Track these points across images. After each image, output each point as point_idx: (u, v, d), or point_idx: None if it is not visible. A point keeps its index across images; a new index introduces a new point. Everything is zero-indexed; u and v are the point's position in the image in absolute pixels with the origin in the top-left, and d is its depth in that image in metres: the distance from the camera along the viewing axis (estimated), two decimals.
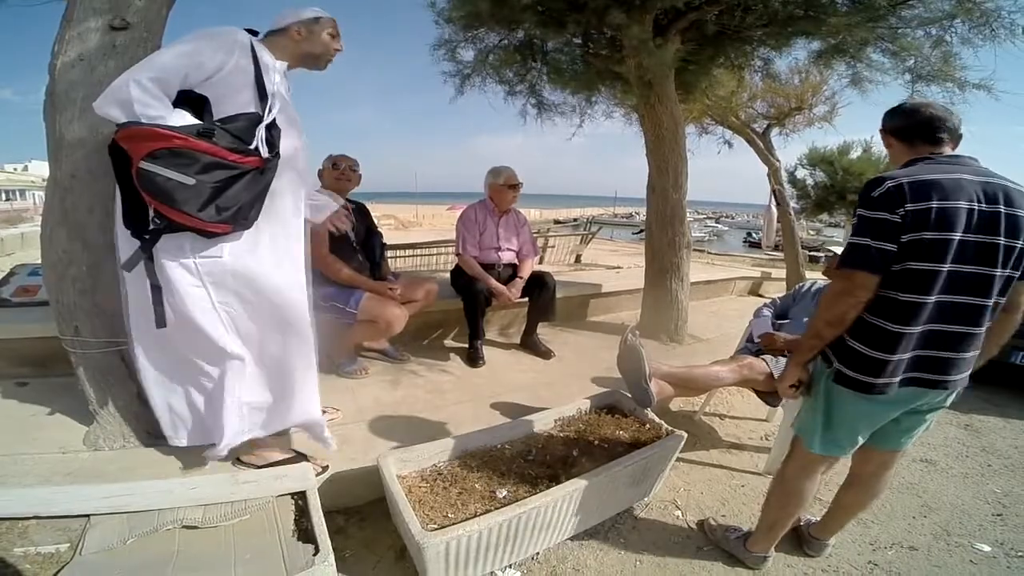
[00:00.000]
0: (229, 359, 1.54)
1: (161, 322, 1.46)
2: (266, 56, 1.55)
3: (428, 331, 3.22)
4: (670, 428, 1.88)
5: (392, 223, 20.02)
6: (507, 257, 3.12)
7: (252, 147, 1.46)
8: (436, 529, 1.33)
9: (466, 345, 3.02)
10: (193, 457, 1.67)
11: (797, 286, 2.62)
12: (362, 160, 2.66)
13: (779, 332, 2.31)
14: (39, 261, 2.71)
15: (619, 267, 6.05)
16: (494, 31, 3.38)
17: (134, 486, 1.40)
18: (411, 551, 1.40)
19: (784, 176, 6.99)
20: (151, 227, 1.40)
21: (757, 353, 2.24)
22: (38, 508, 1.29)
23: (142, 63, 1.40)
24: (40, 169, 31.99)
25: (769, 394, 2.16)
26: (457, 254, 3.08)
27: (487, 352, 3.00)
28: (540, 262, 6.78)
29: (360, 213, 2.76)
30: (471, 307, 2.91)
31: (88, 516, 1.31)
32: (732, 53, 3.30)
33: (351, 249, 2.61)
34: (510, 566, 1.52)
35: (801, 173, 7.90)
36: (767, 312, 2.49)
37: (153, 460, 1.70)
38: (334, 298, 2.47)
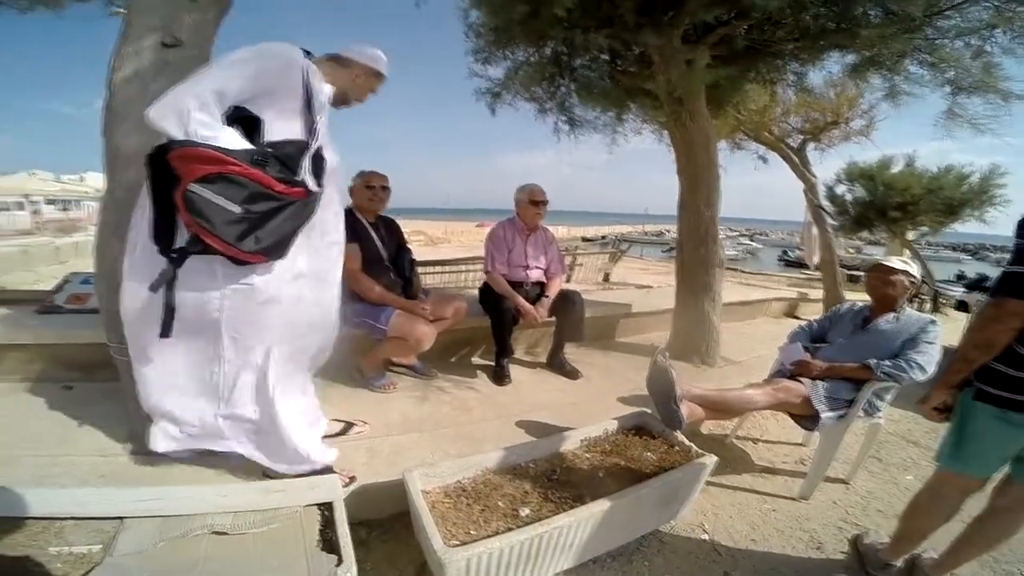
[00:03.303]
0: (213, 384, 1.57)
1: (166, 332, 1.44)
2: (316, 81, 1.55)
3: (456, 348, 3.24)
4: (700, 451, 1.82)
5: (422, 239, 20.36)
6: (535, 275, 3.11)
7: (299, 179, 1.46)
8: (458, 545, 1.32)
9: (493, 363, 3.02)
10: (225, 465, 1.71)
11: (834, 307, 2.53)
12: (390, 175, 2.71)
13: (816, 356, 2.24)
14: (91, 270, 2.87)
15: (649, 286, 5.97)
16: (523, 46, 3.42)
17: (167, 491, 1.44)
18: (432, 566, 1.39)
19: (822, 192, 6.81)
20: (180, 247, 1.39)
21: (792, 377, 2.17)
22: (74, 509, 1.33)
23: (200, 76, 1.39)
24: (94, 180, 33.21)
25: (806, 418, 2.08)
26: (486, 271, 3.09)
27: (513, 371, 2.99)
28: (568, 280, 6.76)
29: (390, 229, 2.81)
30: (498, 325, 2.92)
31: (121, 518, 1.33)
32: (763, 67, 3.26)
33: (382, 266, 2.66)
34: None
35: (839, 189, 7.65)
36: (801, 336, 2.42)
37: (186, 466, 1.74)
38: (365, 314, 2.51)
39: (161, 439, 1.64)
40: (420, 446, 2.03)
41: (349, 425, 2.11)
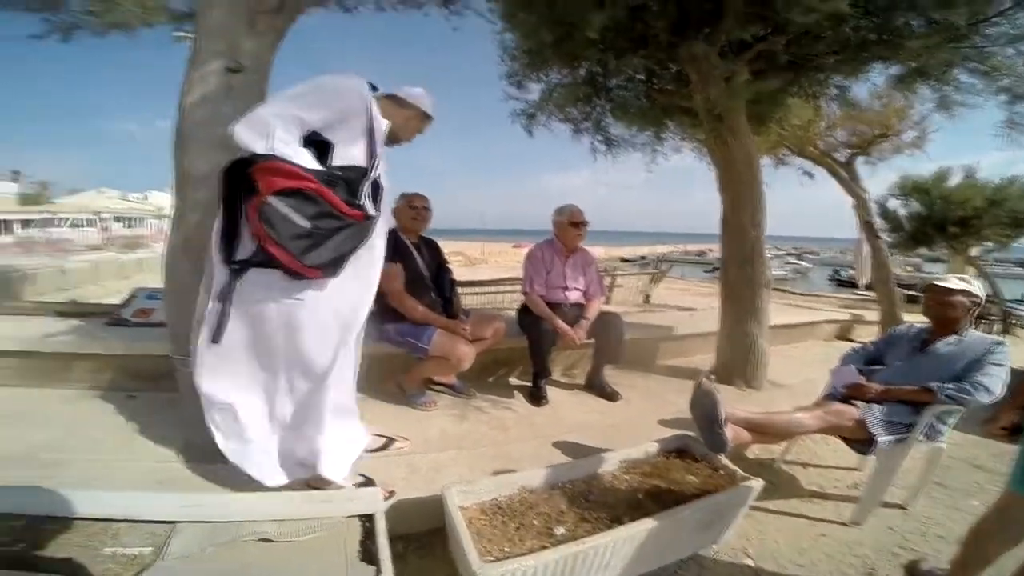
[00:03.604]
0: (256, 393, 1.64)
1: (217, 338, 1.52)
2: (377, 113, 1.64)
3: (494, 368, 3.26)
4: (745, 475, 1.75)
5: (460, 259, 20.68)
6: (574, 297, 3.10)
7: (359, 202, 1.55)
8: (492, 561, 1.31)
9: (530, 384, 3.01)
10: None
11: (891, 329, 2.42)
12: (429, 196, 2.80)
13: (871, 379, 2.13)
14: (154, 285, 3.09)
15: (692, 308, 5.83)
16: (557, 68, 3.47)
17: (218, 497, 1.51)
18: None
19: (873, 208, 6.51)
20: (243, 258, 1.48)
21: (845, 400, 2.08)
22: (130, 512, 1.39)
23: (283, 99, 1.50)
24: (158, 199, 35.18)
25: (859, 441, 1.98)
26: (524, 293, 3.11)
27: (551, 392, 2.97)
28: (607, 302, 6.70)
29: (432, 250, 2.89)
30: (536, 346, 2.91)
31: (174, 523, 1.38)
32: (804, 81, 3.18)
33: (424, 285, 2.73)
34: None
35: (893, 204, 7.29)
36: (854, 359, 2.32)
37: (237, 475, 1.78)
38: (409, 334, 2.58)
39: (222, 442, 1.70)
40: (458, 463, 2.04)
41: (390, 440, 2.16)
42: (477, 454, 2.17)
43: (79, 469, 1.84)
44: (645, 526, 1.46)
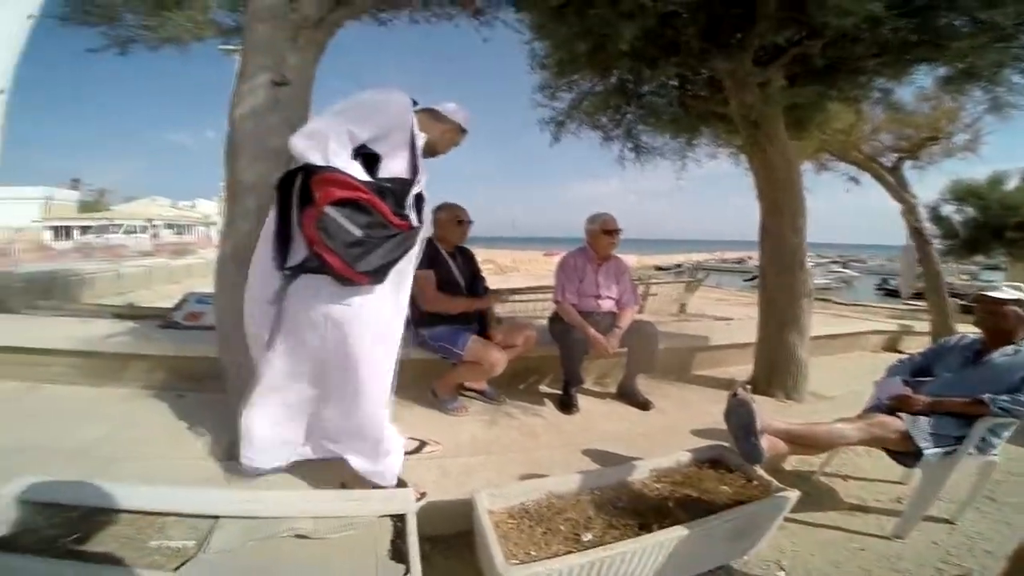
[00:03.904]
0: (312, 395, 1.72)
1: (271, 341, 1.62)
2: (417, 127, 1.72)
3: (525, 376, 3.26)
4: (781, 485, 1.70)
5: (491, 267, 20.81)
6: (607, 305, 3.07)
7: (404, 213, 1.62)
8: (518, 564, 1.32)
9: (560, 392, 3.00)
10: (309, 474, 1.84)
11: (942, 340, 2.31)
12: (460, 203, 2.86)
13: (918, 390, 2.04)
14: (202, 290, 3.25)
15: (730, 318, 5.68)
16: (587, 77, 3.46)
17: (259, 494, 1.56)
18: None
19: (924, 213, 6.20)
20: (295, 263, 1.57)
21: (890, 411, 2.00)
22: (176, 506, 1.46)
23: (334, 113, 1.58)
24: (205, 207, 37.23)
25: (904, 454, 1.90)
26: (556, 301, 3.10)
27: (582, 400, 2.95)
28: (640, 311, 6.60)
29: (466, 258, 2.94)
30: (567, 354, 2.90)
31: (216, 517, 1.45)
32: (844, 85, 3.07)
33: (460, 293, 2.78)
34: None
35: (945, 209, 6.91)
36: (900, 370, 2.23)
37: (277, 473, 1.88)
38: (443, 339, 2.63)
39: (257, 455, 1.79)
40: (487, 468, 2.06)
41: (423, 444, 2.20)
42: (506, 459, 2.18)
43: (131, 465, 1.95)
44: (674, 534, 1.44)
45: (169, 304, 3.68)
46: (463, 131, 1.94)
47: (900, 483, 2.29)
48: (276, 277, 1.59)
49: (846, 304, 8.87)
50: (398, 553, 1.33)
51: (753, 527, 1.64)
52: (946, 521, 2.03)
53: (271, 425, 1.76)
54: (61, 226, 27.01)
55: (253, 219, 1.89)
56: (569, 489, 1.70)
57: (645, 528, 1.50)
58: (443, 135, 1.88)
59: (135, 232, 25.07)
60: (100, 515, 1.40)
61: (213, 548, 1.34)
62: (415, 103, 1.78)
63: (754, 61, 2.85)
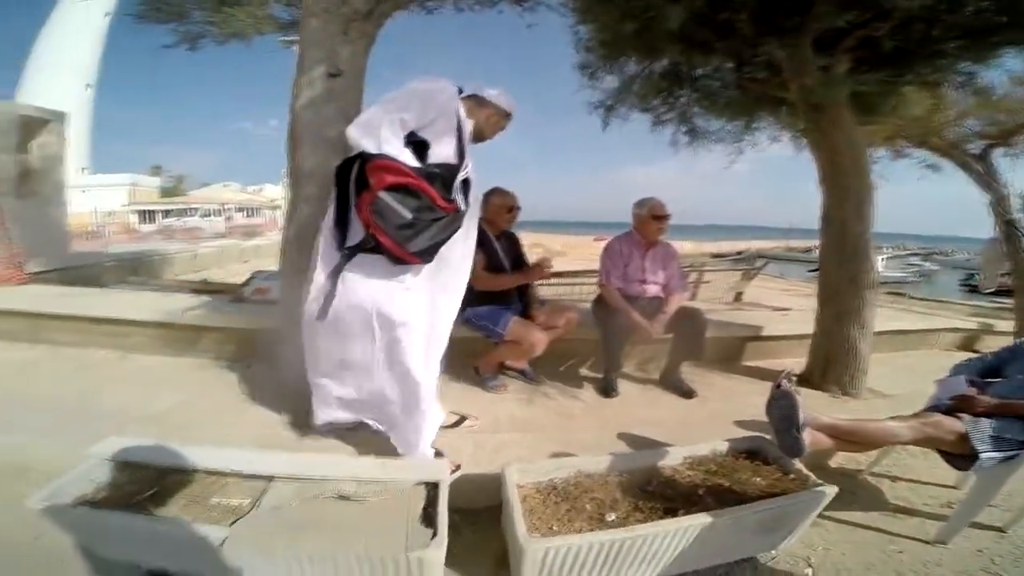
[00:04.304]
0: (364, 365, 1.82)
1: (322, 315, 1.74)
2: (463, 114, 1.81)
3: (565, 358, 3.29)
4: (818, 481, 1.65)
5: (540, 251, 20.79)
6: (652, 290, 3.04)
7: (452, 197, 1.73)
8: (538, 537, 1.37)
9: (600, 375, 3.01)
10: (355, 441, 1.99)
11: (1017, 340, 2.14)
12: (508, 188, 2.91)
13: (985, 391, 1.90)
14: (270, 268, 3.50)
15: (788, 308, 5.43)
16: (635, 60, 3.38)
17: (310, 457, 1.71)
18: (512, 555, 1.46)
19: (1017, 204, 5.62)
20: (353, 244, 1.70)
21: (950, 412, 1.87)
22: (238, 466, 1.61)
23: (386, 103, 1.69)
24: (271, 191, 39.52)
25: (959, 457, 1.79)
26: (600, 285, 3.11)
27: (623, 385, 2.95)
28: (692, 299, 6.42)
29: (511, 242, 3.01)
30: (609, 338, 2.91)
31: (271, 478, 1.59)
32: (921, 69, 2.83)
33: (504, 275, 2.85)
34: None
35: None
36: (966, 369, 2.09)
37: (325, 440, 2.05)
38: (486, 318, 2.71)
39: (320, 412, 1.96)
40: (522, 445, 2.12)
41: (463, 419, 2.30)
42: (541, 438, 2.24)
43: (201, 429, 2.17)
44: (699, 521, 1.44)
45: (239, 281, 3.99)
46: (508, 115, 1.98)
47: (953, 487, 2.17)
48: (336, 256, 1.73)
49: (922, 300, 8.23)
50: (428, 519, 1.42)
51: (784, 521, 1.61)
52: (997, 529, 1.91)
53: (329, 387, 1.92)
54: (145, 210, 29.35)
55: (314, 203, 2.03)
56: (598, 469, 1.73)
57: (671, 513, 1.51)
58: (488, 120, 1.94)
59: (210, 215, 26.86)
60: (171, 474, 1.58)
61: (265, 506, 1.47)
62: (461, 91, 1.85)
63: (815, 44, 2.68)
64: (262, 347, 2.76)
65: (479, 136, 1.94)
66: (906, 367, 3.80)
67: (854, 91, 2.87)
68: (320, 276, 1.77)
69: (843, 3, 2.38)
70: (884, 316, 4.62)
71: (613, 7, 2.58)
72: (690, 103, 3.75)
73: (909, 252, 42.01)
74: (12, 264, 4.22)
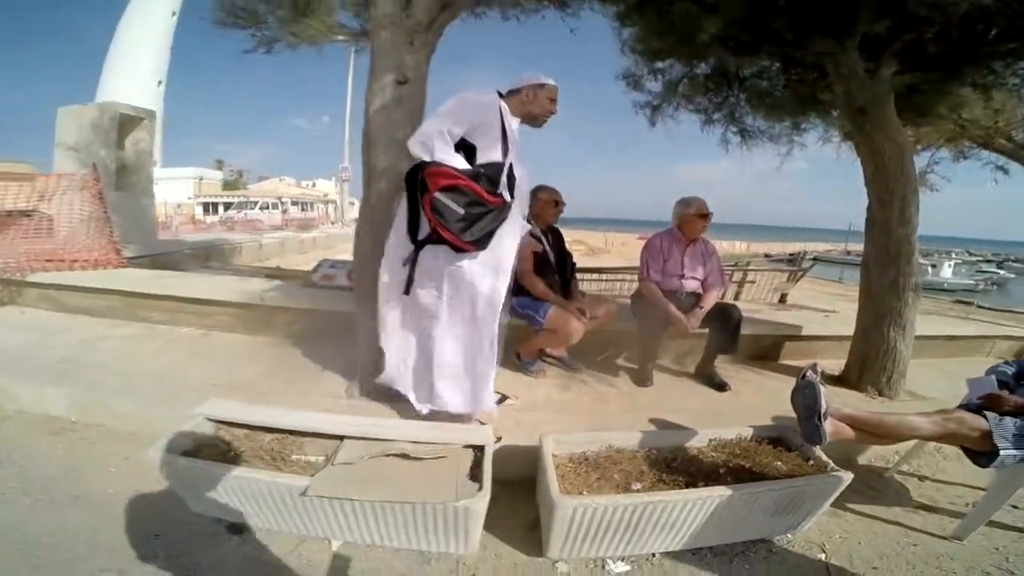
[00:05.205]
0: (431, 333, 2.11)
1: (406, 290, 2.08)
2: (508, 114, 2.10)
3: (603, 348, 3.44)
4: (836, 467, 1.76)
5: (582, 248, 20.75)
6: (691, 286, 3.13)
7: (499, 191, 2.01)
8: (569, 496, 1.55)
9: (636, 367, 3.15)
10: (412, 413, 2.22)
11: None
12: (557, 186, 3.09)
13: (1017, 392, 1.94)
14: (333, 258, 3.85)
15: (832, 311, 5.34)
16: (680, 62, 3.47)
17: (376, 420, 1.99)
18: (543, 514, 1.66)
19: None
20: (422, 237, 2.01)
21: (978, 411, 1.93)
22: (315, 427, 1.88)
23: (441, 115, 2.01)
24: (324, 186, 41.48)
25: (981, 454, 1.84)
26: (640, 279, 3.23)
27: (658, 377, 3.08)
28: (736, 298, 6.39)
29: (556, 237, 3.20)
30: (646, 330, 3.05)
31: (343, 438, 1.84)
32: (972, 72, 2.80)
33: (549, 267, 3.04)
34: (623, 559, 1.65)
35: None
36: (1001, 371, 2.11)
37: (388, 405, 2.32)
38: (528, 307, 2.90)
39: (386, 375, 2.26)
40: (557, 424, 2.29)
41: (504, 397, 2.52)
42: (576, 419, 2.42)
43: (279, 397, 2.46)
44: (717, 492, 1.58)
45: (308, 268, 4.39)
46: (543, 86, 2.17)
47: (981, 488, 2.19)
48: (409, 247, 2.06)
49: (990, 308, 7.79)
50: (475, 476, 1.66)
51: (799, 502, 1.72)
52: (1018, 530, 1.95)
53: (399, 355, 2.22)
54: (209, 202, 31.08)
55: (385, 198, 2.31)
56: (628, 445, 1.91)
57: (691, 487, 1.66)
58: (529, 102, 2.17)
59: (268, 208, 28.19)
60: (259, 433, 1.87)
61: (338, 462, 1.71)
62: (502, 95, 2.12)
63: (861, 47, 2.70)
64: (330, 327, 3.06)
65: (531, 119, 2.21)
66: (952, 373, 3.71)
67: (902, 93, 2.87)
68: (397, 263, 2.10)
69: (883, 9, 2.41)
70: (940, 322, 4.52)
71: (649, 18, 2.69)
72: (738, 103, 3.78)
73: (981, 258, 39.05)
74: (112, 250, 4.78)
